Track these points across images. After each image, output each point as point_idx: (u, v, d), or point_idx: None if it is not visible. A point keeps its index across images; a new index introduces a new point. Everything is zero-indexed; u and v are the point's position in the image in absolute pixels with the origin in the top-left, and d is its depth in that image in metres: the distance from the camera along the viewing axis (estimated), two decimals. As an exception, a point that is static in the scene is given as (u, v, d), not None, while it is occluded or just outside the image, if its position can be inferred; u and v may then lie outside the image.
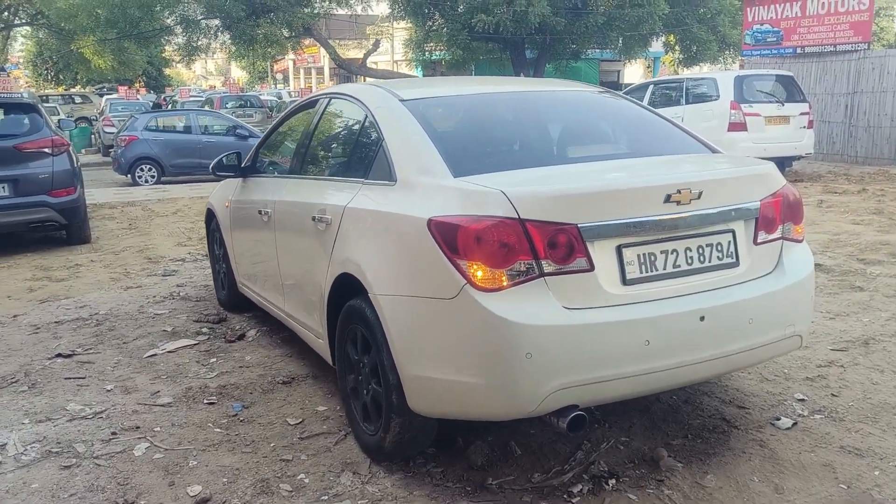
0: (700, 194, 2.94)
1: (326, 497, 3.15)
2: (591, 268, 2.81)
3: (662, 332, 2.84)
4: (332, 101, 4.21)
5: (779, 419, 3.63)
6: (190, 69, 48.35)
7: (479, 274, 2.74)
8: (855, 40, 15.20)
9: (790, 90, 13.07)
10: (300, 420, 3.87)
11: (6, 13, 32.98)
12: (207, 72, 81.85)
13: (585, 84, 4.30)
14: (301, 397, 4.15)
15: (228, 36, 20.30)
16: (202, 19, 19.99)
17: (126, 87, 29.06)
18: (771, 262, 3.22)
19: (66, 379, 4.56)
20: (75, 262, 7.97)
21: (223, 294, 5.87)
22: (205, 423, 3.86)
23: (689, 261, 3.00)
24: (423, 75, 34.69)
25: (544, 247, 2.75)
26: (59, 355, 4.97)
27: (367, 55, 22.29)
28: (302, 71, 53.31)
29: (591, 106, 3.99)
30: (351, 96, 3.96)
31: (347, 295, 3.43)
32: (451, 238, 2.78)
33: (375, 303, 3.14)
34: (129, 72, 33.39)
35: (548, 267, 2.77)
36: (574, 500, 3.06)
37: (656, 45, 26.63)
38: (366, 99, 3.77)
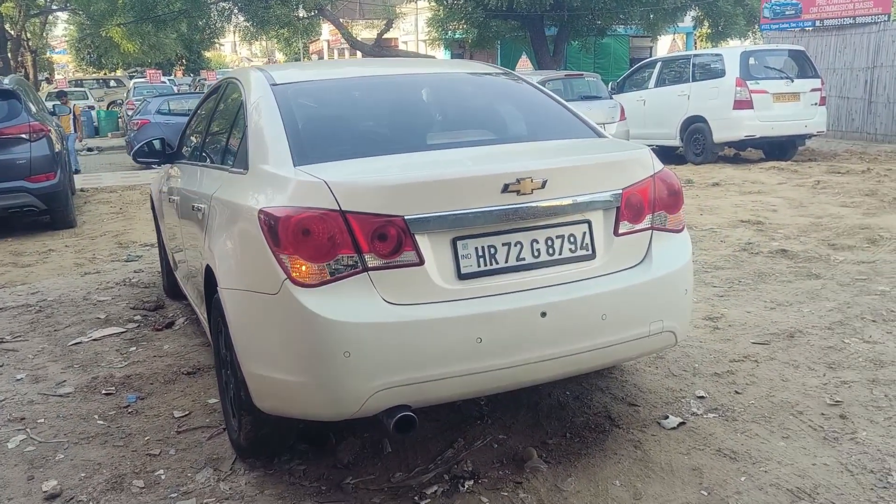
0: (544, 183, 2.77)
1: (175, 495, 3.08)
2: (421, 262, 2.68)
3: (496, 329, 2.70)
4: (228, 85, 4.12)
5: (666, 418, 3.46)
6: (212, 51, 48.52)
7: (299, 268, 2.63)
8: (875, 12, 14.55)
9: (802, 65, 12.57)
10: (186, 413, 3.81)
11: (43, -1, 33.62)
12: (252, 54, 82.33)
13: (481, 65, 4.11)
14: (198, 389, 4.10)
15: (242, 17, 20.36)
16: (215, 2, 20.06)
17: (153, 71, 29.36)
18: (636, 254, 3.04)
19: (-20, 367, 4.58)
20: (50, 247, 8.04)
21: (165, 281, 5.85)
22: (91, 414, 3.83)
23: (536, 254, 2.84)
24: (451, 55, 34.48)
25: (368, 240, 2.63)
26: (-15, 343, 5.00)
27: (379, 35, 22.12)
28: (336, 52, 53.29)
29: (473, 90, 3.82)
30: (238, 81, 3.86)
31: (214, 288, 3.35)
32: (273, 230, 2.67)
33: (221, 297, 3.06)
34: (159, 55, 33.70)
35: (372, 261, 2.64)
36: (424, 502, 2.94)
37: (687, 21, 25.93)
38: (245, 84, 3.66)
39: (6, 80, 9.20)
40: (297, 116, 3.23)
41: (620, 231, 2.99)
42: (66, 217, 9.04)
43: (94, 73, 46.44)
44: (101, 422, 3.75)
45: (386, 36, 44.86)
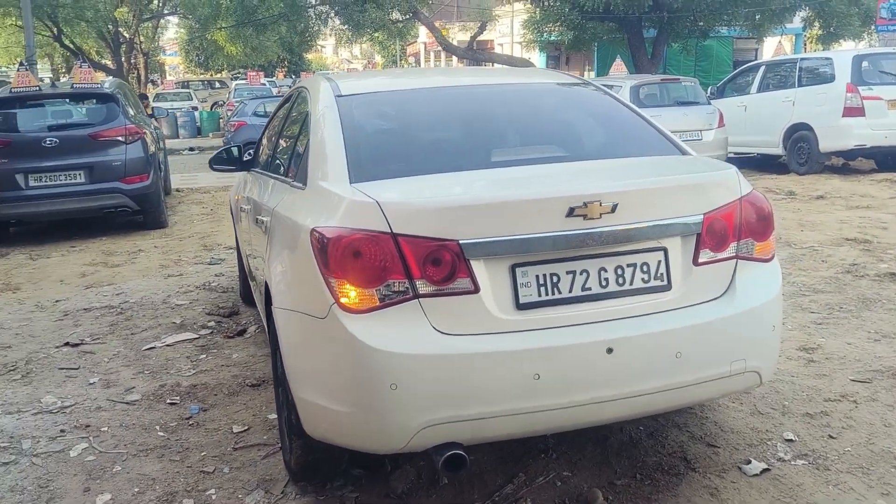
0: (614, 207, 2.54)
1: (224, 517, 3.00)
2: (476, 289, 2.49)
3: (556, 365, 2.49)
4: (298, 94, 4.04)
5: (749, 463, 3.15)
6: (313, 53, 49.53)
7: (347, 293, 2.49)
8: None
9: (923, 70, 11.68)
10: (245, 428, 3.75)
11: (156, 2, 35.01)
12: (353, 56, 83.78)
13: (561, 75, 3.88)
14: (260, 403, 4.04)
15: (338, 21, 20.63)
16: (313, 5, 20.39)
17: (254, 73, 30.18)
18: (718, 285, 2.76)
19: (59, 369, 4.67)
20: (140, 247, 8.26)
21: (241, 287, 5.86)
22: (153, 425, 3.82)
23: (604, 283, 2.61)
24: (547, 58, 34.05)
25: (420, 265, 2.46)
26: (66, 344, 5.11)
27: (473, 38, 21.98)
28: (433, 54, 53.57)
29: (548, 102, 3.59)
30: (307, 90, 3.77)
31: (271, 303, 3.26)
32: (324, 251, 2.55)
33: (274, 315, 2.96)
34: (261, 58, 34.63)
35: (424, 288, 2.48)
36: (477, 542, 2.76)
37: (796, 22, 24.70)
38: (313, 94, 3.57)
39: (106, 84, 9.52)
40: (359, 130, 3.10)
41: (701, 260, 2.72)
42: (158, 218, 9.28)
43: (202, 74, 48.27)
44: (162, 433, 3.73)
45: (482, 38, 44.87)
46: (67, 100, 9.17)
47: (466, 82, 3.74)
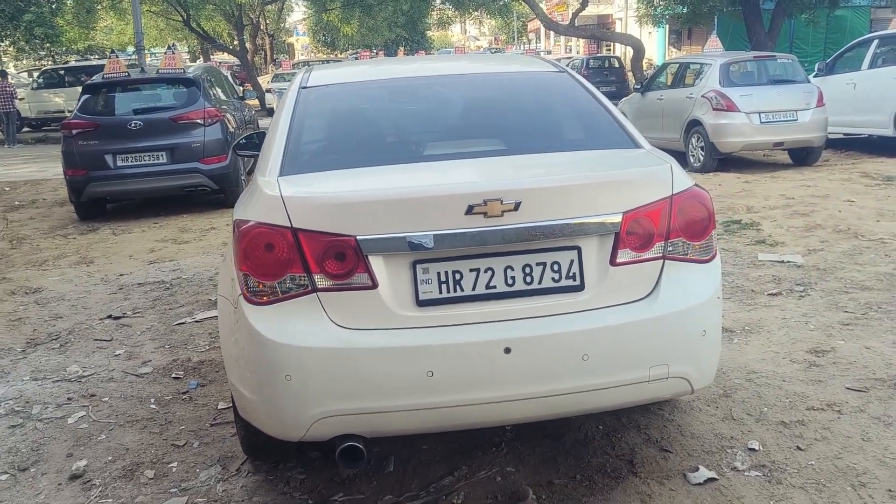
0: (517, 205, 2.49)
1: (175, 490, 3.19)
2: (374, 285, 2.51)
3: (450, 363, 2.48)
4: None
5: (696, 470, 3.02)
6: (438, 31, 49.78)
7: (251, 285, 2.57)
8: None
9: None
10: (230, 405, 3.90)
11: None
12: (480, 33, 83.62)
13: (538, 63, 3.73)
14: (254, 381, 4.20)
15: (439, 1, 20.72)
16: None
17: (367, 52, 30.79)
18: (640, 287, 2.65)
19: (94, 340, 5.03)
20: (213, 225, 8.69)
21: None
22: (150, 397, 4.07)
23: (510, 282, 2.57)
24: (668, 32, 32.84)
25: (317, 260, 2.51)
26: (109, 316, 5.49)
27: (575, 14, 21.47)
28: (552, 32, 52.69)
29: (507, 93, 3.49)
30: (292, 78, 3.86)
31: None
32: (238, 243, 2.64)
33: (217, 300, 3.09)
34: (377, 37, 35.26)
35: (322, 282, 2.53)
36: (397, 532, 2.81)
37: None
38: (290, 84, 3.65)
39: (194, 67, 10.01)
40: (307, 122, 3.16)
41: (619, 260, 2.61)
42: (236, 197, 9.67)
43: (328, 54, 49.68)
44: (154, 406, 3.97)
45: (602, 13, 43.67)
46: (153, 85, 9.72)
47: (434, 73, 3.71)
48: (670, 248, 2.68)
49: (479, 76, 3.63)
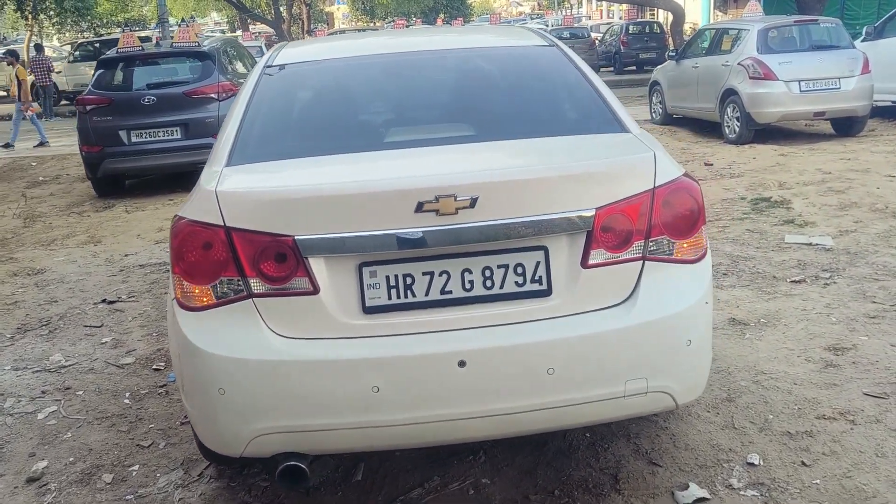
0: (473, 202, 2.21)
1: (130, 497, 3.02)
2: (315, 290, 2.27)
3: (397, 377, 2.23)
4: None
5: (686, 488, 2.74)
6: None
7: (184, 288, 2.35)
8: None
9: None
10: (204, 401, 3.74)
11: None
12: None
13: (528, 36, 3.38)
14: (234, 374, 4.02)
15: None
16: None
17: (401, 21, 30.31)
18: (617, 291, 2.36)
19: (84, 326, 4.90)
20: (226, 202, 8.52)
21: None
22: (125, 391, 3.91)
23: (468, 286, 2.30)
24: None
25: (251, 262, 2.27)
26: (104, 301, 5.36)
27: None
28: (595, -5, 51.47)
29: (485, 72, 3.18)
30: (266, 58, 3.60)
31: None
32: (170, 242, 2.41)
33: (168, 302, 2.88)
34: (413, 5, 34.74)
35: (258, 287, 2.29)
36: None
37: None
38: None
39: (210, 41, 9.82)
40: (264, 106, 2.90)
41: (592, 262, 2.33)
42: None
43: (367, 22, 49.18)
44: (128, 401, 3.81)
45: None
46: (167, 59, 9.54)
47: (413, 49, 3.40)
48: (652, 248, 2.38)
49: (461, 52, 3.30)
